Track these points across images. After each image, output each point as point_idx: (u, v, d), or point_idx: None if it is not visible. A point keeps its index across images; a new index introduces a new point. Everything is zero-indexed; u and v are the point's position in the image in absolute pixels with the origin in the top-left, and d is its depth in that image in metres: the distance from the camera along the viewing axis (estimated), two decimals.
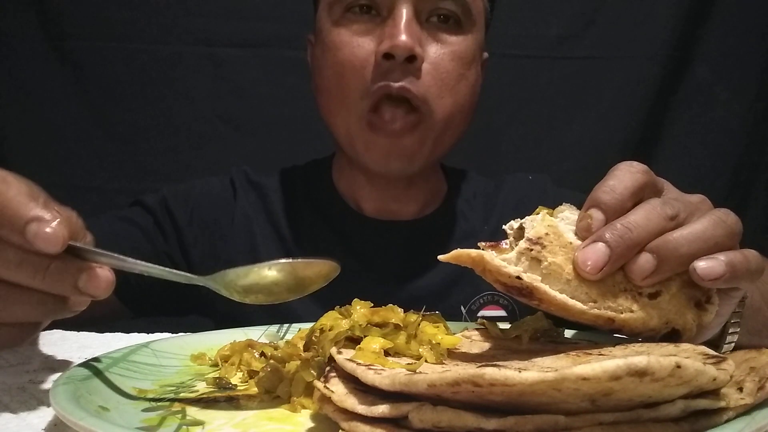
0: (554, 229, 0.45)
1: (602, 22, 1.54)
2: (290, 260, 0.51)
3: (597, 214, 0.44)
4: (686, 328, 0.45)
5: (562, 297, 0.43)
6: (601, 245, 0.42)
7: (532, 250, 0.44)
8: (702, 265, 0.43)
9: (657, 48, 1.54)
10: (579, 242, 0.44)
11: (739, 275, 0.43)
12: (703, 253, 0.43)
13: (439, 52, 0.80)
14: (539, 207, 0.48)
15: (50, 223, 0.42)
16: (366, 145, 0.81)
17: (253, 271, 0.50)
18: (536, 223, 0.45)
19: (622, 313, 0.43)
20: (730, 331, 0.51)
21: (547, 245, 0.44)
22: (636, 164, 0.46)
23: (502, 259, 0.43)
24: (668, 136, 1.57)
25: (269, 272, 0.51)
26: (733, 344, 0.51)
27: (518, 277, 0.43)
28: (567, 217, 0.47)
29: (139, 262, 0.46)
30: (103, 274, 0.44)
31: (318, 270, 0.52)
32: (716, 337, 0.50)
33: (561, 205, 0.48)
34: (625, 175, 0.45)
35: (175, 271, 0.48)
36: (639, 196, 0.45)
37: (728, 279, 0.43)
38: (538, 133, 1.57)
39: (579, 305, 0.43)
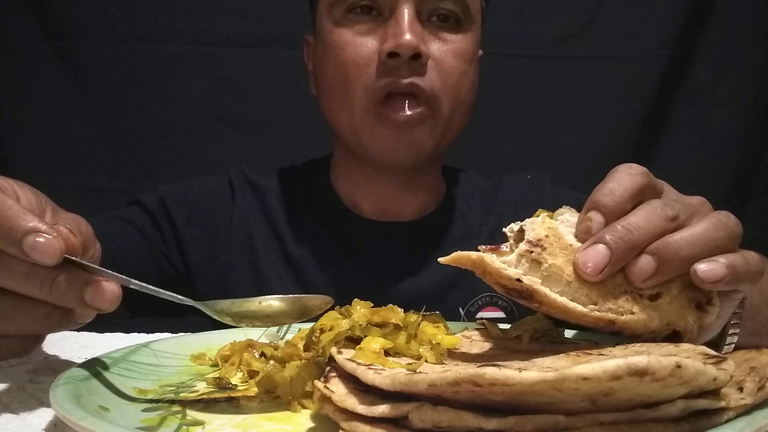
0: (554, 232, 0.45)
1: (602, 22, 1.54)
2: (286, 296, 0.55)
3: (597, 217, 0.44)
4: (687, 330, 0.45)
5: (563, 299, 0.43)
6: (601, 247, 0.42)
7: (532, 252, 0.44)
8: (702, 267, 0.43)
9: (657, 48, 1.54)
10: (579, 244, 0.44)
11: (740, 278, 0.43)
12: (704, 255, 0.43)
13: (441, 50, 0.80)
14: (539, 210, 0.48)
15: (46, 234, 0.42)
16: (373, 136, 0.81)
17: (247, 303, 0.54)
18: (536, 225, 0.45)
19: (622, 315, 0.43)
20: (730, 332, 0.51)
21: (547, 247, 0.44)
22: (635, 166, 0.46)
23: (502, 262, 0.43)
24: (668, 136, 1.57)
25: (265, 303, 0.54)
26: (733, 345, 0.51)
27: (518, 280, 0.42)
28: (567, 219, 0.47)
29: (132, 280, 0.47)
30: (109, 288, 0.44)
31: (315, 303, 0.55)
32: (716, 338, 0.50)
33: (561, 207, 0.48)
34: (625, 177, 0.45)
35: (169, 293, 0.49)
36: (638, 198, 0.45)
37: (729, 281, 0.43)
38: (538, 133, 1.57)
39: (579, 308, 0.43)
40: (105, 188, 1.50)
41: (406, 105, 0.78)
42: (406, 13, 0.77)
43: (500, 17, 1.47)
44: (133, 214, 0.91)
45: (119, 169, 1.51)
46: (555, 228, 0.45)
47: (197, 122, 1.52)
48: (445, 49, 0.80)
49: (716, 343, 0.50)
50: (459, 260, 0.44)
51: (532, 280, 0.43)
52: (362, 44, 0.79)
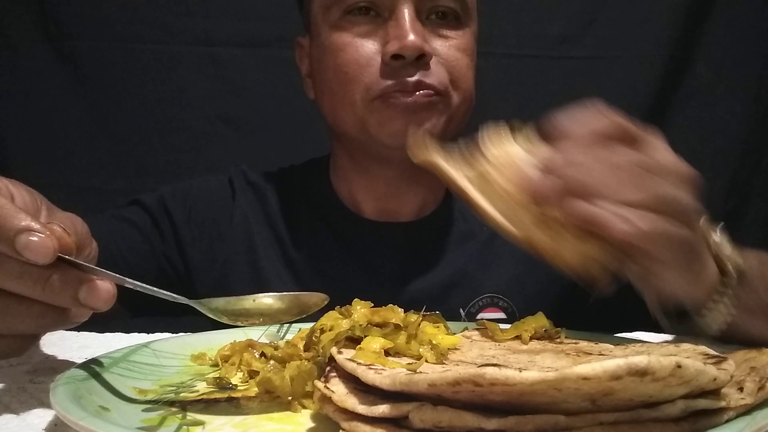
0: (508, 154, 0.48)
1: (603, 22, 1.54)
2: (281, 293, 0.56)
3: (554, 148, 0.46)
4: (598, 277, 0.47)
5: (496, 214, 0.47)
6: (545, 178, 0.45)
7: (483, 166, 0.48)
8: (618, 226, 0.44)
9: (657, 48, 1.54)
10: (528, 168, 0.47)
11: (654, 240, 0.45)
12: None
13: (444, 46, 0.80)
14: (509, 123, 0.50)
15: (39, 233, 0.42)
16: (380, 122, 0.79)
17: (241, 301, 0.54)
18: (495, 144, 0.49)
19: (546, 242, 0.46)
20: (713, 308, 0.52)
21: (497, 165, 0.47)
22: (613, 114, 0.49)
23: (457, 168, 0.48)
24: (668, 136, 1.56)
25: (260, 301, 0.55)
26: (723, 324, 0.52)
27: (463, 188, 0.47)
28: (525, 141, 0.49)
29: (127, 279, 0.46)
30: (103, 287, 0.44)
31: (310, 300, 0.56)
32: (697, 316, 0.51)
33: (527, 127, 0.50)
34: (597, 117, 0.48)
35: (164, 292, 0.50)
36: (607, 139, 0.47)
37: (641, 239, 0.44)
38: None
39: (508, 225, 0.46)
40: (105, 188, 1.50)
41: (414, 92, 0.77)
42: (407, 13, 0.76)
43: (500, 17, 1.47)
44: (133, 213, 0.91)
45: (119, 169, 1.51)
46: (510, 149, 0.48)
47: (197, 122, 1.52)
48: (448, 45, 0.80)
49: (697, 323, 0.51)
50: (426, 162, 0.50)
51: (474, 194, 0.47)
52: (363, 45, 0.78)
